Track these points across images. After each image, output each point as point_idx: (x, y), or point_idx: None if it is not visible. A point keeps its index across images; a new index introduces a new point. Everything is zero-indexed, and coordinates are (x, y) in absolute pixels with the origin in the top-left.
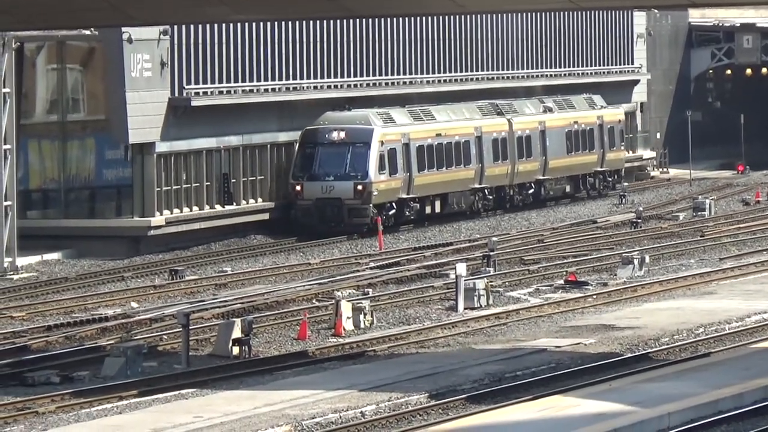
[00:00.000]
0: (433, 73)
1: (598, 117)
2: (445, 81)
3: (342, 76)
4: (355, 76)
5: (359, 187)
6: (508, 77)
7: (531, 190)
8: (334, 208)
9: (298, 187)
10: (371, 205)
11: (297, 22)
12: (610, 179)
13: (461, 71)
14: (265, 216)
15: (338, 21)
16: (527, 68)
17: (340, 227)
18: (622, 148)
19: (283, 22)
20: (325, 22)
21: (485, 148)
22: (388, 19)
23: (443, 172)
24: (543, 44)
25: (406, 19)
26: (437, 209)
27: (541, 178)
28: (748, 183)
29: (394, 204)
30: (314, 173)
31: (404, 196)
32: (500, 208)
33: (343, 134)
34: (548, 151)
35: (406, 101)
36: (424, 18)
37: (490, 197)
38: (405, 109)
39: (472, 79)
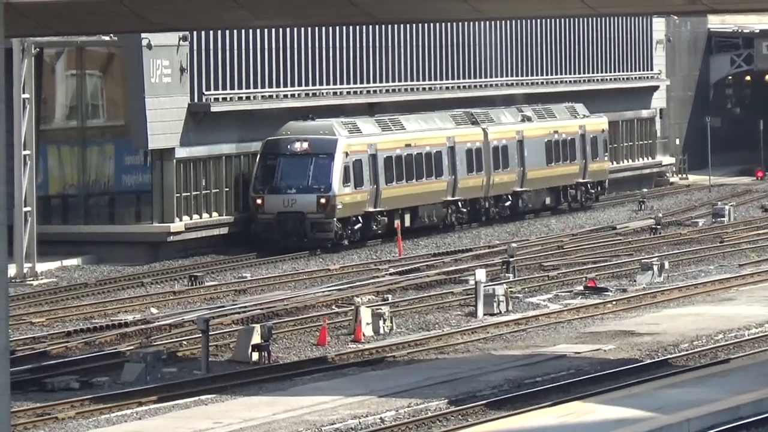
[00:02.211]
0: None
1: (580, 126)
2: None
3: (363, 82)
4: (378, 81)
5: (322, 201)
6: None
7: (508, 203)
8: (296, 222)
9: (258, 201)
10: (335, 219)
11: (316, 28)
12: (593, 191)
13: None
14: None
15: (354, 27)
16: (548, 74)
17: (303, 242)
18: (606, 158)
19: (302, 28)
20: (340, 27)
21: (458, 158)
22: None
23: (413, 184)
24: (565, 50)
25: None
26: (407, 223)
27: (519, 189)
28: (767, 189)
29: (359, 218)
30: (275, 186)
31: (371, 209)
32: (475, 221)
33: (305, 145)
34: (526, 162)
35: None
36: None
37: (464, 210)
38: (372, 119)
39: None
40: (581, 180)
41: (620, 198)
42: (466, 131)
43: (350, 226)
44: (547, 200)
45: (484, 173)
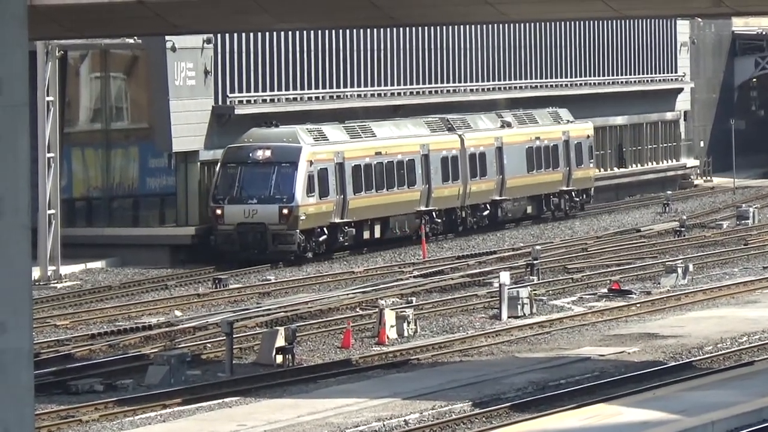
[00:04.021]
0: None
1: (563, 132)
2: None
3: (387, 84)
4: (400, 84)
5: (284, 211)
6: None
7: (486, 212)
8: (257, 234)
9: (218, 211)
10: (298, 230)
11: (340, 31)
12: (577, 199)
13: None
14: None
15: (379, 30)
16: (573, 77)
17: (264, 255)
18: (591, 165)
19: (326, 31)
20: (364, 30)
21: (433, 167)
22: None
23: (383, 194)
24: (590, 51)
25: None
26: (377, 234)
27: (498, 198)
28: None
29: (325, 229)
30: (236, 196)
31: (337, 220)
32: (451, 231)
33: (268, 153)
34: (506, 170)
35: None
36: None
37: (439, 220)
38: (341, 125)
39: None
40: (565, 188)
41: (645, 200)
42: (441, 138)
43: (315, 237)
44: (529, 209)
45: (460, 182)
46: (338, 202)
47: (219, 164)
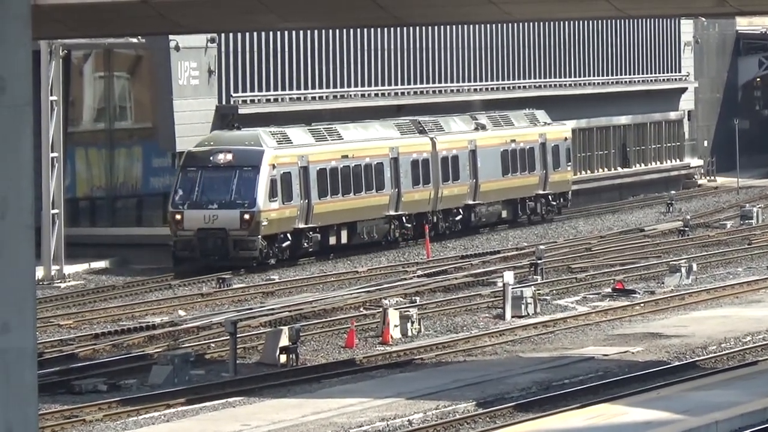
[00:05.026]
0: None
1: (540, 134)
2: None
3: (392, 84)
4: (405, 83)
5: (246, 217)
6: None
7: (459, 217)
8: (218, 240)
9: (177, 217)
10: (260, 236)
11: (345, 30)
12: (554, 203)
13: (507, 79)
14: None
15: (381, 30)
16: (575, 76)
17: (225, 261)
18: (569, 168)
19: (331, 30)
20: (368, 30)
21: (402, 170)
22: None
23: (350, 198)
24: (593, 52)
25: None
26: (343, 240)
27: (471, 203)
28: None
29: (288, 235)
30: (196, 201)
31: (301, 225)
32: (422, 236)
33: (229, 156)
34: (479, 173)
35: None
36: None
37: (409, 225)
38: (306, 128)
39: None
40: (541, 192)
41: (648, 200)
42: (411, 141)
43: (277, 243)
44: (504, 213)
45: (431, 186)
46: (302, 207)
47: (179, 168)
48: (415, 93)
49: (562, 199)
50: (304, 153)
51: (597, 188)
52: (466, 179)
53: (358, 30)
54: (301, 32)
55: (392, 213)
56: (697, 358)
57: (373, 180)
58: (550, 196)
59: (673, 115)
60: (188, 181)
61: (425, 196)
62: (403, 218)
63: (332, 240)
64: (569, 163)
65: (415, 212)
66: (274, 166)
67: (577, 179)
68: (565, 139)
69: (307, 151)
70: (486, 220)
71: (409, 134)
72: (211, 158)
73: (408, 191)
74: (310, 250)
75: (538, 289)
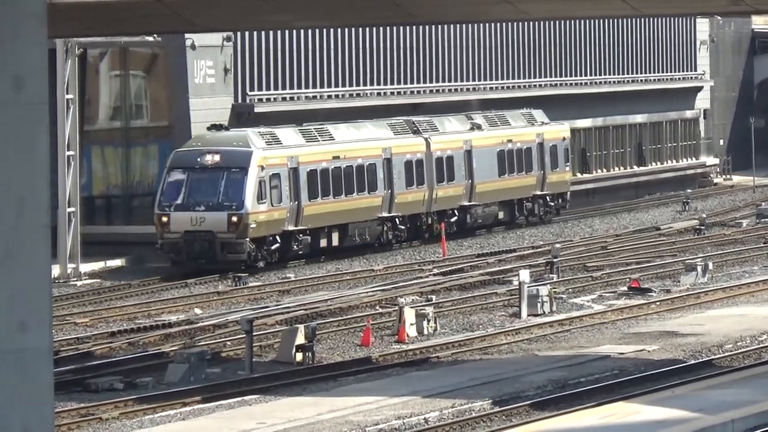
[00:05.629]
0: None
1: (537, 134)
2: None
3: (406, 83)
4: (421, 82)
5: (234, 219)
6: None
7: (454, 218)
8: (205, 242)
9: (164, 219)
10: (248, 239)
11: (359, 29)
12: (552, 204)
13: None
14: None
15: (394, 28)
16: (592, 74)
17: (213, 264)
18: (567, 168)
19: (346, 29)
20: (382, 28)
21: (396, 171)
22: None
23: (341, 200)
24: (610, 51)
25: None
26: (335, 242)
27: (467, 204)
28: None
29: (277, 237)
30: (183, 203)
31: (291, 228)
32: (417, 238)
33: (217, 158)
34: (475, 174)
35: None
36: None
37: (402, 227)
38: (296, 128)
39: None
40: (539, 192)
41: (664, 199)
42: (405, 141)
43: (266, 246)
44: (500, 215)
45: (426, 187)
46: (292, 208)
47: (165, 169)
48: (431, 92)
49: (560, 200)
50: (293, 154)
51: (613, 186)
52: (462, 180)
53: (373, 29)
54: (317, 31)
55: (385, 215)
56: (712, 357)
57: (366, 181)
58: (547, 197)
59: (689, 113)
60: (175, 182)
61: (419, 197)
62: (397, 220)
63: (323, 242)
64: (568, 164)
65: (408, 214)
66: (262, 168)
67: (592, 178)
68: (564, 139)
69: (297, 152)
70: (482, 222)
71: (402, 134)
72: (199, 159)
73: (401, 192)
74: (300, 252)
75: (554, 288)
